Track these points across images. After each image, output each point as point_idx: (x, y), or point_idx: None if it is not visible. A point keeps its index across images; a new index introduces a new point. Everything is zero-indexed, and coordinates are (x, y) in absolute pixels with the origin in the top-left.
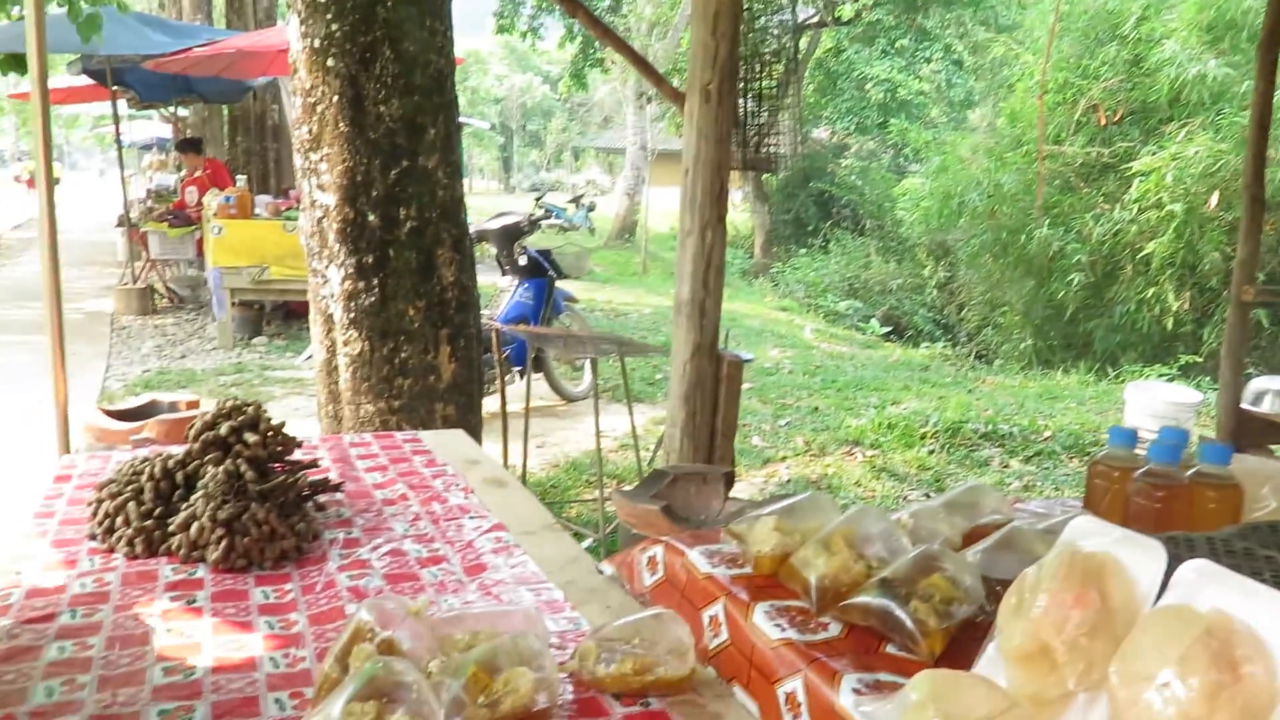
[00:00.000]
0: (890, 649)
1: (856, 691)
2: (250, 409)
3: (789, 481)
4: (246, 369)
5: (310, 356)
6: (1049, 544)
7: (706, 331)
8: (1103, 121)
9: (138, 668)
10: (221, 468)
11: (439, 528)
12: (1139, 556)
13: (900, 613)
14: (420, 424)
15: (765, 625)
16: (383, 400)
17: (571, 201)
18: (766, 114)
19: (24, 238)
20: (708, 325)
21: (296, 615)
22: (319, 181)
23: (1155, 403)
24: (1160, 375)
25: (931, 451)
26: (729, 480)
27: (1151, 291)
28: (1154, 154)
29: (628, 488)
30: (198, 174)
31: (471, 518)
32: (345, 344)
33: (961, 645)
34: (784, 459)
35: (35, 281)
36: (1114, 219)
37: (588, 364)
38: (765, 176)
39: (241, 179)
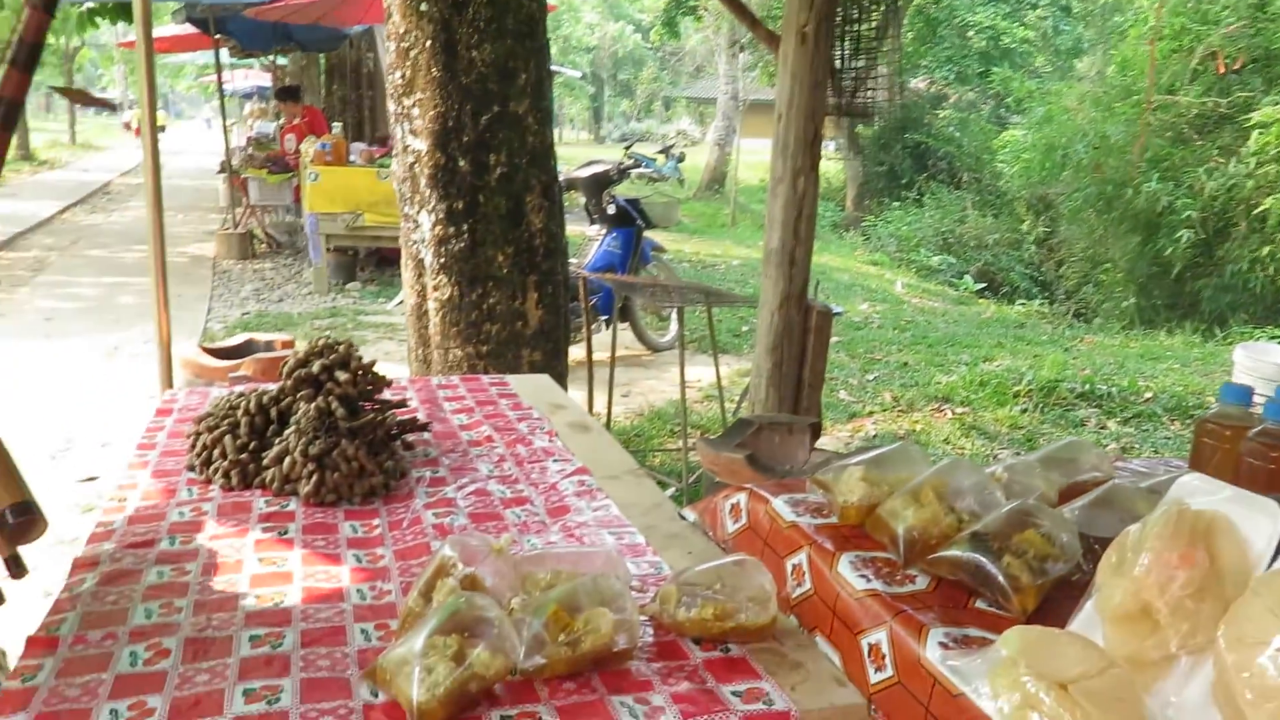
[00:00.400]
0: (979, 604)
1: (943, 645)
2: (341, 348)
3: (875, 437)
4: (340, 313)
5: (401, 302)
6: (1152, 503)
7: (796, 281)
8: (1221, 70)
9: (231, 594)
10: (313, 404)
11: (523, 469)
12: (1253, 516)
13: (992, 568)
14: (507, 369)
15: (850, 575)
16: (470, 345)
17: (661, 152)
18: (863, 61)
19: (133, 184)
20: (797, 274)
21: (383, 549)
22: (411, 127)
23: (1266, 365)
24: (1272, 337)
25: (1024, 410)
26: (815, 431)
27: (1267, 250)
28: (1276, 104)
29: (712, 437)
30: (296, 121)
31: (555, 460)
32: (435, 289)
33: (1055, 604)
34: (870, 414)
35: (142, 226)
36: (1229, 173)
37: (674, 314)
38: (859, 126)
39: (337, 126)
